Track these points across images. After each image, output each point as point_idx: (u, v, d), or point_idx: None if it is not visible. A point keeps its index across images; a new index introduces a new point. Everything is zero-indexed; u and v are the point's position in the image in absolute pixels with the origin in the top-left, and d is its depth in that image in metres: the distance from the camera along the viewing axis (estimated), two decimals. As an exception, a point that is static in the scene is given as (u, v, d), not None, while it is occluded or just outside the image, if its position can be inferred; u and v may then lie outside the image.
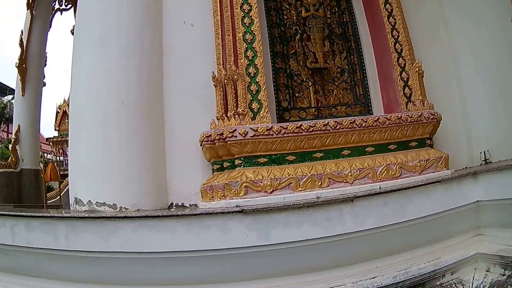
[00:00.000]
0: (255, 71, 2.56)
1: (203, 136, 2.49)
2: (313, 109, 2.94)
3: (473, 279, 2.52)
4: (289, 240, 2.18)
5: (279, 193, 2.31)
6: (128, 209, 2.43)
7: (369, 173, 2.47)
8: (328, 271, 2.30)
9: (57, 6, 6.38)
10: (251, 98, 2.52)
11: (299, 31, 3.07)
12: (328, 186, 2.38)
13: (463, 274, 2.53)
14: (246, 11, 2.64)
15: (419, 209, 2.42)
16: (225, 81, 2.52)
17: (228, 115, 2.48)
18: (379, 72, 3.09)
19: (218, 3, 2.70)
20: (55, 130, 14.03)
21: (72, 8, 6.64)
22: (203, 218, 2.16)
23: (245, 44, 2.59)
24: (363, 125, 2.53)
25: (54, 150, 12.75)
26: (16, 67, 5.41)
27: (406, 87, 2.87)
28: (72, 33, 5.38)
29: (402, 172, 2.53)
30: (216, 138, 2.40)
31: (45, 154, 7.02)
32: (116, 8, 2.66)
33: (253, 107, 2.51)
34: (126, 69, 2.59)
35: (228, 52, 2.61)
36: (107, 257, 2.23)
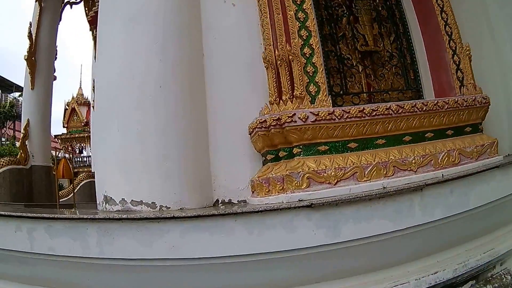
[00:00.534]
0: (310, 51, 2.13)
1: (256, 122, 2.04)
2: (365, 95, 2.53)
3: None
4: (359, 236, 1.83)
5: (344, 184, 1.95)
6: (169, 208, 1.96)
7: (432, 160, 2.18)
8: (392, 269, 1.97)
9: (66, -1, 5.81)
10: (307, 80, 2.08)
11: (346, 13, 2.64)
12: (393, 175, 2.06)
13: (510, 265, 2.30)
14: (296, -12, 2.20)
15: (480, 197, 2.16)
16: (278, 62, 2.08)
17: (284, 98, 2.03)
18: (428, 56, 2.74)
19: (266, -21, 2.26)
20: (64, 127, 13.27)
21: (83, 2, 6.08)
22: (267, 215, 1.72)
23: (297, 23, 2.16)
24: (424, 109, 2.23)
25: (63, 147, 12.02)
26: (25, 59, 4.84)
27: (459, 71, 2.56)
28: (90, 22, 4.84)
29: (461, 158, 2.27)
30: (272, 124, 1.96)
31: (57, 152, 6.40)
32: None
33: (311, 90, 2.07)
34: (163, 48, 2.12)
35: (279, 32, 2.16)
36: (149, 265, 1.77)
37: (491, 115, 2.65)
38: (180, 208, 1.97)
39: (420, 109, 2.21)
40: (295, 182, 1.88)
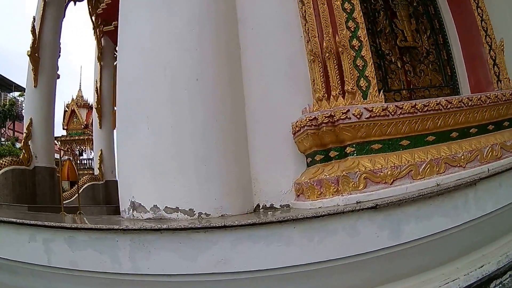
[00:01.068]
0: (359, 44, 1.88)
1: (304, 120, 1.76)
2: (405, 92, 2.30)
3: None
4: (420, 236, 1.64)
5: (400, 183, 1.76)
6: (209, 215, 1.66)
7: (478, 155, 2.06)
8: (443, 266, 1.78)
9: (70, -5, 5.38)
10: (358, 74, 1.83)
11: (383, 8, 2.41)
12: (444, 172, 1.91)
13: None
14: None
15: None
16: (326, 54, 1.81)
17: (334, 94, 1.77)
18: (464, 52, 2.57)
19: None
20: (63, 129, 12.55)
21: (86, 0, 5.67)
22: (328, 220, 1.46)
23: (344, 14, 1.91)
24: (469, 104, 2.11)
25: (67, 149, 11.37)
26: (28, 55, 4.41)
27: (495, 66, 2.42)
28: (97, 18, 4.44)
29: (503, 152, 2.16)
30: (324, 121, 1.70)
31: (62, 154, 5.92)
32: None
33: (361, 85, 1.82)
34: (199, 37, 1.82)
35: (324, 23, 1.90)
36: (193, 280, 1.46)
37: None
38: (221, 215, 1.67)
39: (466, 104, 2.09)
40: (352, 183, 1.63)
